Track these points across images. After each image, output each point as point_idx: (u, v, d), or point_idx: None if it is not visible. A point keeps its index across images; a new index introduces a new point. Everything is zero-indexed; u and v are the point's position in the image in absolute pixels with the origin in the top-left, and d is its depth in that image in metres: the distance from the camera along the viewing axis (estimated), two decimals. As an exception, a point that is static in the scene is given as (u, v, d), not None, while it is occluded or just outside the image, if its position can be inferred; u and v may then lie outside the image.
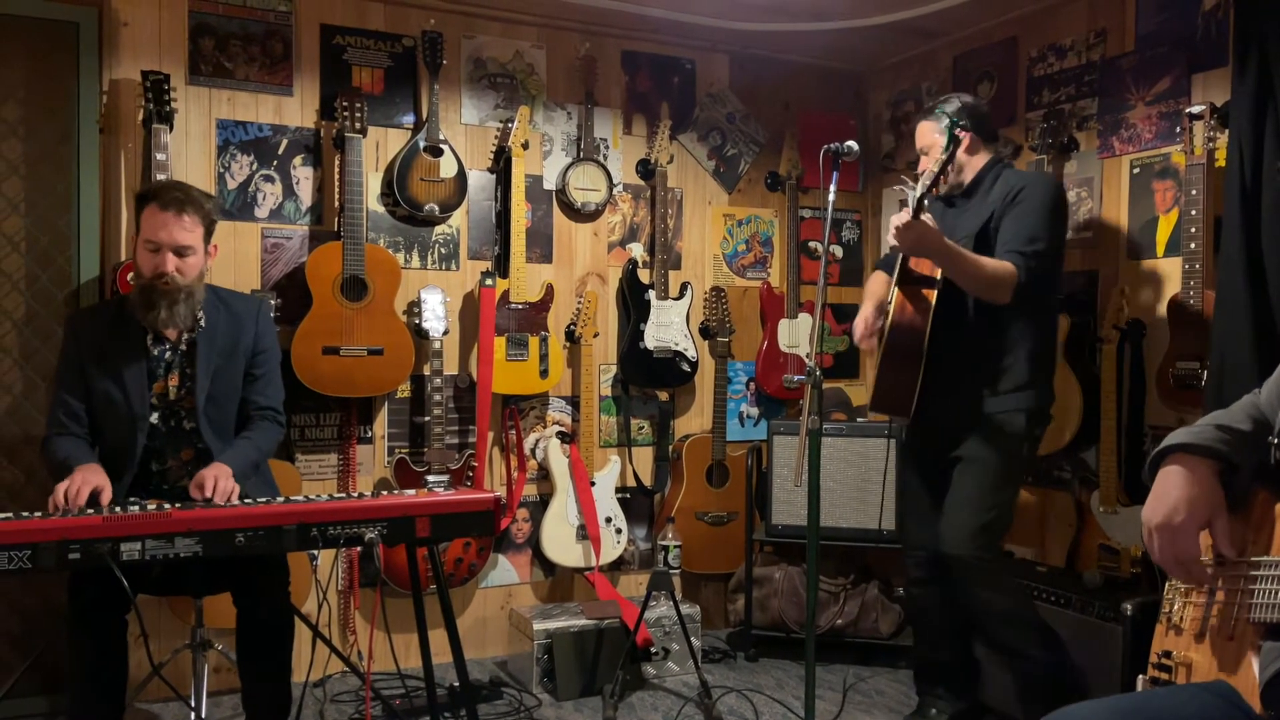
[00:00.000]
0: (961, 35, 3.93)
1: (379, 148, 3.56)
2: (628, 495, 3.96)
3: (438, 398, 3.40)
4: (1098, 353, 3.14)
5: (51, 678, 3.06)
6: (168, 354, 2.62)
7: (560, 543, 3.71)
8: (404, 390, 3.59)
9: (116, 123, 3.21)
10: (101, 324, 2.61)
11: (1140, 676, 1.59)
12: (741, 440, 4.12)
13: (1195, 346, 2.90)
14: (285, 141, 3.44)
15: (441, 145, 3.52)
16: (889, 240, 2.64)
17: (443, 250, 3.68)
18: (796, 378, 4.15)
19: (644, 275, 3.97)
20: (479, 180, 3.71)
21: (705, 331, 4.08)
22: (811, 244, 4.34)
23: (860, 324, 2.93)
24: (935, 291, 2.72)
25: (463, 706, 2.73)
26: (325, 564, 3.39)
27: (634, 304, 3.90)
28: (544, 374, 3.68)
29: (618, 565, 3.95)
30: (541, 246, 3.84)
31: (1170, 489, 1.45)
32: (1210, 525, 1.44)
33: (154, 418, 2.59)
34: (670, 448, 4.07)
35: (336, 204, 3.43)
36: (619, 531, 3.80)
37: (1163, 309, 3.05)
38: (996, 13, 3.70)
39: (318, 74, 3.48)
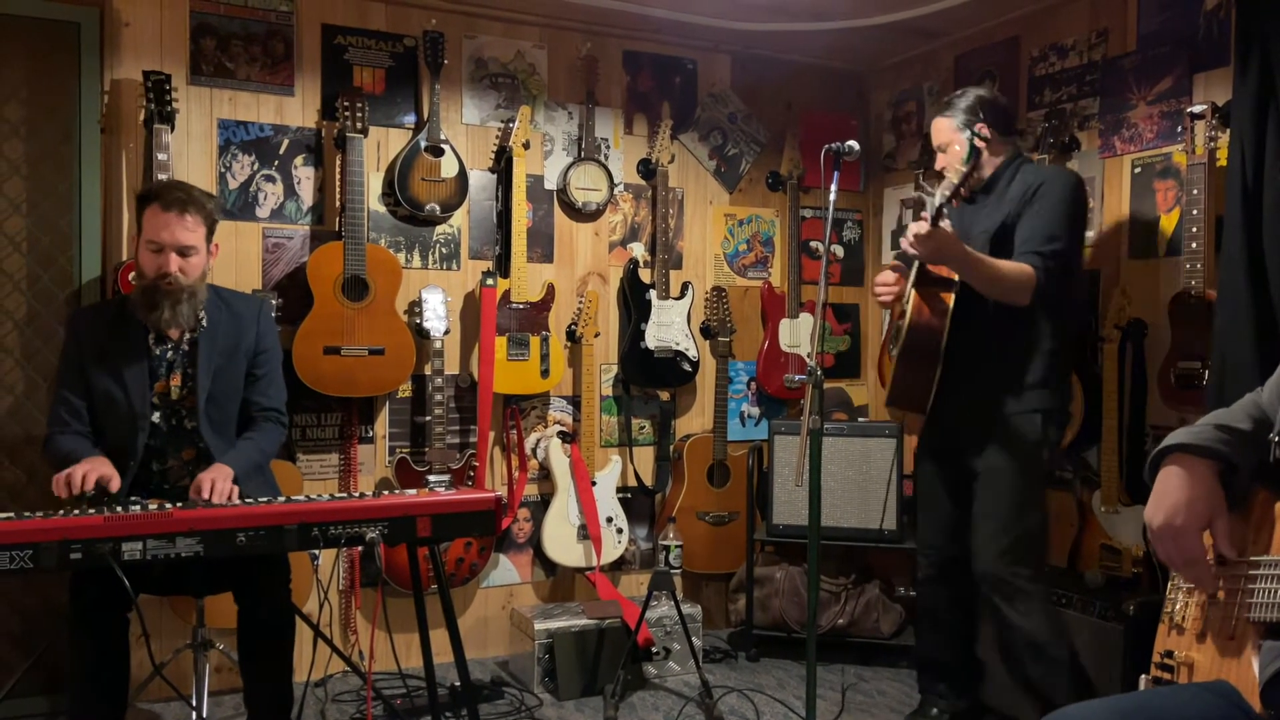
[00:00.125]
0: (963, 35, 3.93)
1: (380, 148, 3.56)
2: (629, 495, 3.96)
3: (439, 397, 3.40)
4: (1099, 352, 3.14)
5: (53, 677, 3.06)
6: (170, 353, 2.62)
7: (561, 542, 3.71)
8: (405, 390, 3.60)
9: (118, 123, 3.21)
10: (103, 323, 2.61)
11: (1143, 676, 1.59)
12: (742, 440, 4.12)
13: (1196, 346, 2.89)
14: (286, 141, 3.44)
15: (443, 145, 3.52)
16: (906, 246, 2.60)
17: (444, 250, 3.68)
18: (798, 377, 4.16)
19: (645, 275, 3.97)
20: (480, 180, 3.71)
21: (706, 331, 4.08)
22: (813, 244, 4.34)
23: (886, 276, 2.85)
24: (953, 294, 2.69)
25: (464, 706, 2.73)
26: (326, 564, 3.40)
27: (635, 304, 3.90)
28: (545, 374, 3.68)
29: (619, 565, 3.95)
30: (542, 246, 3.84)
31: (1170, 490, 1.44)
32: (1210, 526, 1.44)
33: (155, 417, 2.59)
34: (671, 447, 4.07)
35: (338, 204, 3.44)
36: (620, 531, 3.80)
37: (1164, 308, 3.05)
38: (998, 12, 3.70)
39: (319, 74, 3.49)
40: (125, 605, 2.34)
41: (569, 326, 3.83)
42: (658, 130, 3.95)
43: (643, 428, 4.05)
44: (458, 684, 2.76)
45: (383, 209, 3.57)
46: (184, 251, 2.53)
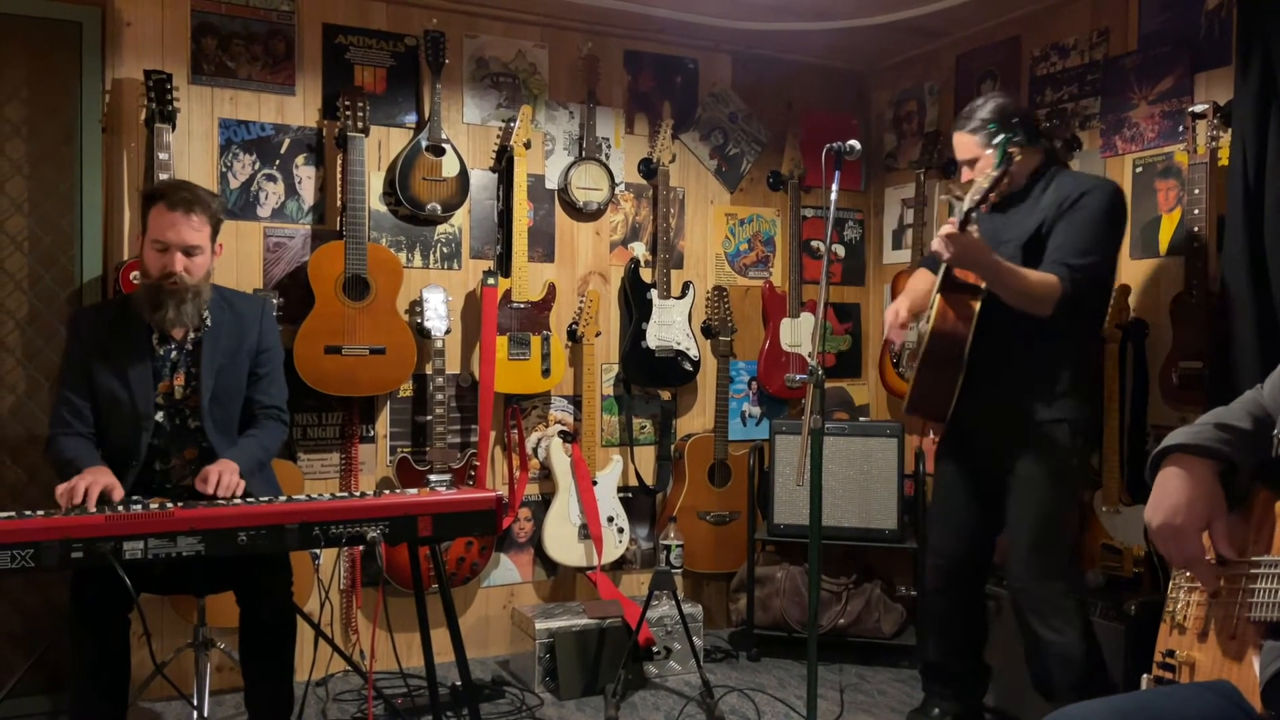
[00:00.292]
0: (964, 35, 3.93)
1: (381, 147, 3.56)
2: (630, 494, 3.96)
3: (440, 397, 3.40)
4: (1100, 352, 3.13)
5: (54, 677, 3.07)
6: (173, 353, 2.62)
7: (562, 542, 3.71)
8: (406, 389, 3.60)
9: (119, 122, 3.22)
10: (105, 323, 2.61)
11: (1145, 675, 1.59)
12: (743, 439, 4.12)
13: (1198, 346, 2.89)
14: (287, 141, 3.45)
15: (444, 144, 3.52)
16: (935, 246, 2.53)
17: (445, 249, 3.68)
18: (799, 377, 4.23)
19: (646, 274, 3.97)
20: (481, 179, 3.71)
21: (707, 331, 4.08)
22: (814, 243, 4.34)
23: (891, 315, 2.81)
24: (979, 300, 2.62)
25: (465, 706, 2.73)
26: (328, 563, 3.40)
27: (636, 303, 3.90)
28: (546, 373, 3.68)
29: (620, 564, 3.95)
30: (544, 246, 3.84)
31: (1169, 491, 1.45)
32: (1210, 526, 1.44)
33: (159, 416, 2.59)
34: (672, 447, 4.07)
35: (339, 203, 3.44)
36: (621, 531, 3.80)
37: (1165, 308, 3.04)
38: (999, 12, 3.70)
39: (320, 73, 3.49)
40: (127, 604, 2.34)
41: (570, 326, 3.83)
42: (659, 130, 3.95)
43: (644, 427, 4.05)
44: (459, 683, 2.76)
45: (384, 208, 3.57)
46: (189, 251, 2.53)
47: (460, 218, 3.69)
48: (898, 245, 4.31)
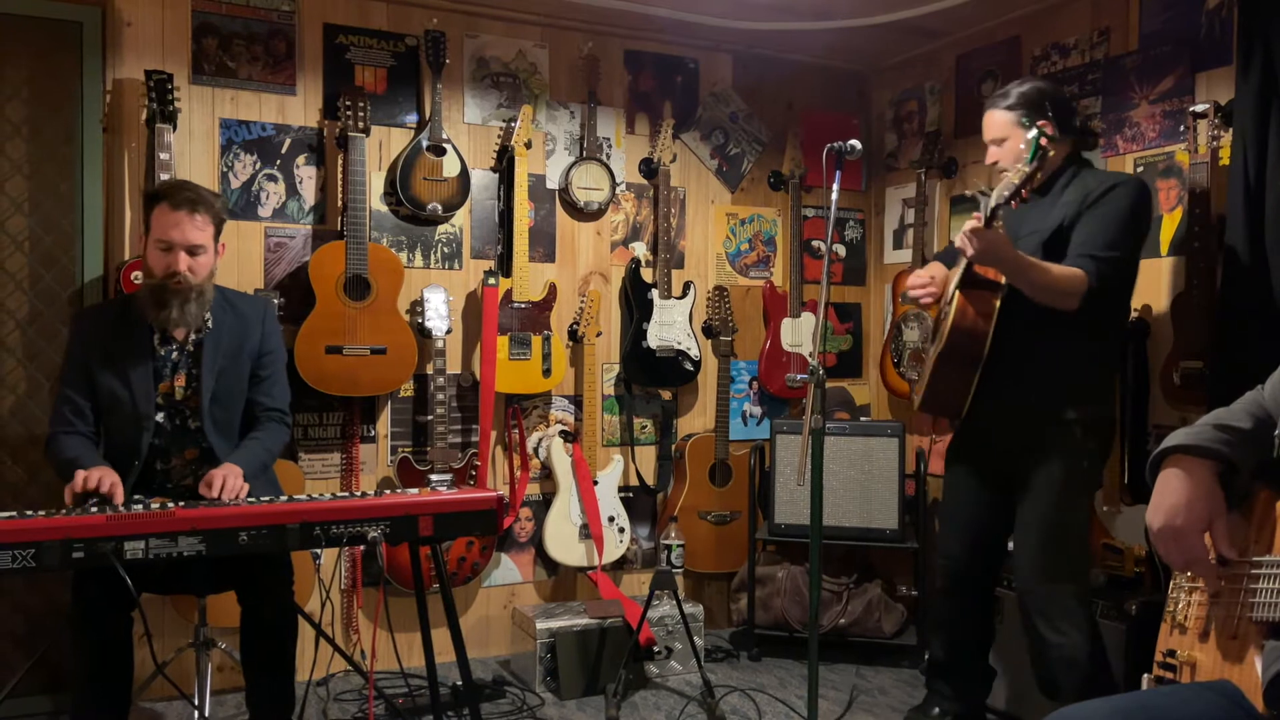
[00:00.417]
0: (965, 35, 3.93)
1: (382, 147, 3.56)
2: (630, 494, 3.96)
3: (441, 397, 3.40)
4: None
5: (55, 676, 3.07)
6: (174, 354, 2.62)
7: (563, 542, 3.71)
8: (407, 389, 3.60)
9: (120, 122, 3.22)
10: (107, 323, 2.61)
11: (1146, 675, 1.59)
12: (744, 439, 4.12)
13: (1199, 345, 2.89)
14: (288, 141, 3.45)
15: (444, 144, 3.52)
16: (958, 242, 2.48)
17: (445, 249, 3.68)
18: (799, 377, 4.23)
19: (647, 274, 3.97)
20: (482, 179, 3.71)
21: (708, 330, 4.08)
22: (814, 243, 4.34)
23: (921, 276, 2.75)
24: (999, 297, 2.57)
25: (466, 705, 2.73)
26: (329, 563, 3.40)
27: (637, 303, 3.90)
28: (547, 373, 3.68)
29: (620, 564, 3.95)
30: (544, 245, 3.84)
31: (1170, 492, 1.45)
32: (1210, 526, 1.44)
33: (160, 417, 2.59)
34: (673, 447, 4.07)
35: (339, 203, 3.44)
36: (622, 530, 3.80)
37: (1166, 308, 3.04)
38: (1000, 12, 3.70)
39: (321, 73, 3.49)
40: (128, 604, 2.34)
41: (571, 326, 3.83)
42: (659, 130, 3.95)
43: (644, 427, 4.05)
44: (459, 683, 2.77)
45: (385, 208, 3.57)
46: (193, 250, 2.53)
47: (461, 218, 3.69)
48: (898, 245, 4.31)
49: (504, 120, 3.75)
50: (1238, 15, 2.84)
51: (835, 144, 2.48)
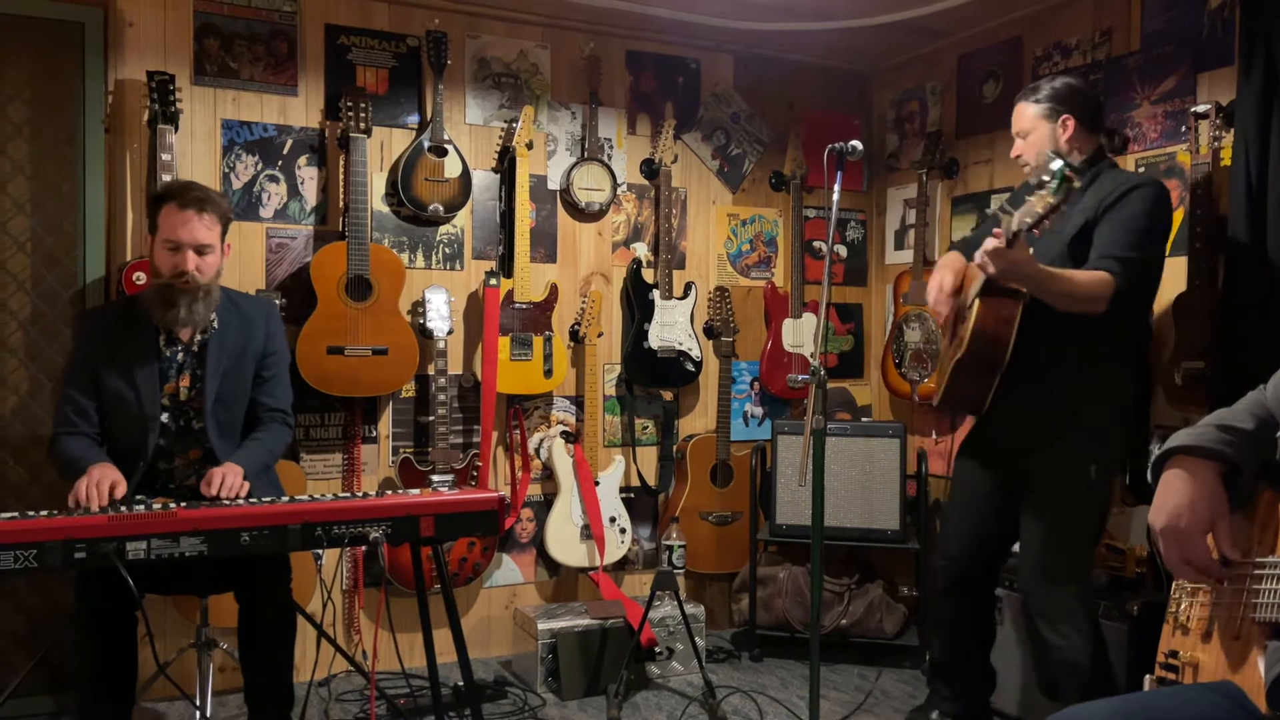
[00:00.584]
0: (966, 35, 3.93)
1: (383, 148, 3.57)
2: (632, 495, 3.96)
3: (442, 397, 3.40)
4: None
5: (57, 676, 3.07)
6: (179, 355, 2.63)
7: (564, 542, 3.71)
8: (408, 390, 3.60)
9: (122, 123, 3.22)
10: (110, 324, 2.62)
11: (1147, 676, 1.59)
12: (746, 440, 4.12)
13: (1201, 345, 2.89)
14: (290, 141, 3.45)
15: (446, 145, 3.52)
16: (977, 260, 2.45)
17: (447, 250, 3.68)
18: (801, 377, 4.23)
19: (648, 275, 3.97)
20: (483, 180, 3.71)
21: (709, 331, 4.07)
22: (816, 243, 4.34)
23: (935, 287, 2.73)
24: (1021, 304, 2.54)
25: (467, 706, 2.73)
26: (330, 563, 3.40)
27: (638, 304, 3.90)
28: (548, 374, 3.68)
29: (622, 565, 3.95)
30: (546, 246, 3.84)
31: (1172, 493, 1.44)
32: (1213, 527, 1.44)
33: (164, 417, 2.59)
34: (674, 447, 4.07)
35: (341, 204, 3.44)
36: (623, 531, 3.80)
37: (1168, 308, 3.04)
38: (1001, 12, 3.69)
39: (322, 74, 3.49)
40: (131, 605, 2.34)
41: (572, 326, 3.83)
42: (661, 130, 3.95)
43: (646, 428, 4.05)
44: (461, 684, 2.77)
45: (386, 209, 3.58)
46: (201, 250, 2.53)
47: (462, 218, 3.69)
48: (900, 245, 4.31)
49: (505, 121, 3.75)
50: (1239, 16, 2.84)
51: (836, 144, 2.48)
